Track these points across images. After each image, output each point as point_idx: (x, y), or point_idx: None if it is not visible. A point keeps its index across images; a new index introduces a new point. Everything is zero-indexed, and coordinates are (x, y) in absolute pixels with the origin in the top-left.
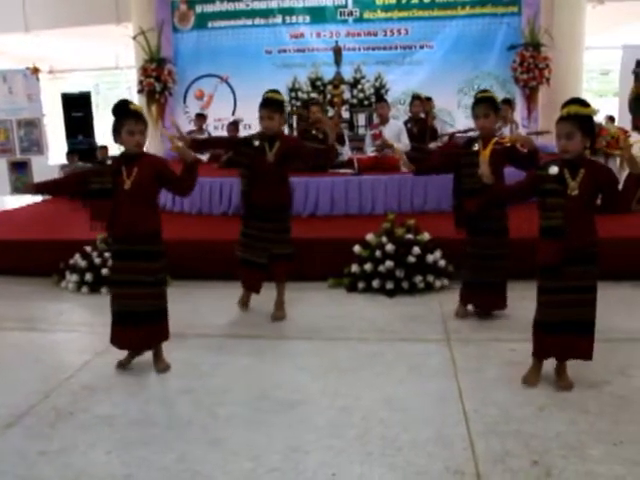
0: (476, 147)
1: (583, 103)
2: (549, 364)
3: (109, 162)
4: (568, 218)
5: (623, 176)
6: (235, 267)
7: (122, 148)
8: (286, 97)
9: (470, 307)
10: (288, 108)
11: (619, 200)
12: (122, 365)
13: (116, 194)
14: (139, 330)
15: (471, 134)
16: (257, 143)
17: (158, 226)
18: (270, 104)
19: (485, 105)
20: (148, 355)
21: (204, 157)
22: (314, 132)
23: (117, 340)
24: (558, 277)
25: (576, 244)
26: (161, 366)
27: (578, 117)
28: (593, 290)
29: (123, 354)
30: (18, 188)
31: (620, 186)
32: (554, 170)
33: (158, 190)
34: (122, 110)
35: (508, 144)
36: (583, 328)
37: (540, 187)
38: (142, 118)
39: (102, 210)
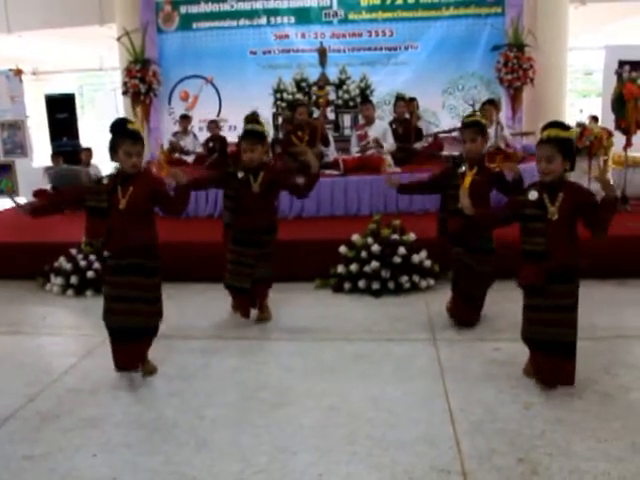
0: (463, 169)
1: (563, 126)
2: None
3: (105, 181)
4: (550, 242)
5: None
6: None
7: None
8: (271, 98)
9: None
10: (274, 110)
11: (597, 225)
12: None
13: (111, 213)
14: (132, 347)
15: (454, 134)
16: (241, 175)
17: (154, 240)
18: (251, 136)
19: (472, 129)
20: None
21: (189, 159)
22: (300, 133)
23: (119, 363)
24: (541, 295)
25: (558, 265)
26: (147, 368)
27: (558, 140)
28: (573, 309)
29: (107, 357)
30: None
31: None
32: (533, 195)
33: (153, 208)
34: (120, 129)
35: (496, 169)
36: (566, 351)
37: (520, 212)
38: (140, 139)
39: (97, 229)
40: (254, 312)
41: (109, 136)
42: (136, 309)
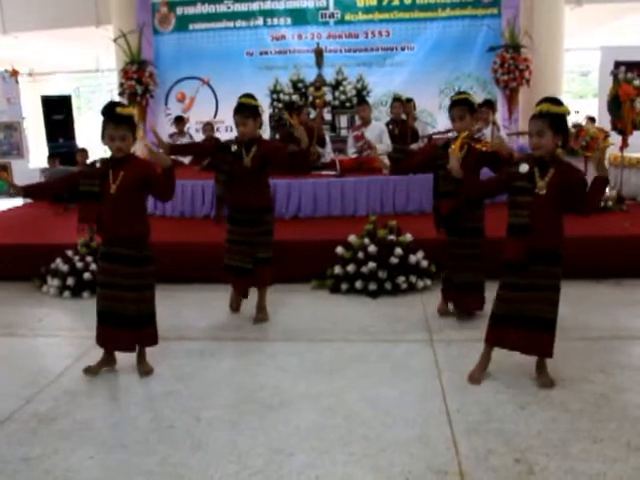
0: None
1: (555, 102)
2: (529, 363)
3: (98, 165)
4: (534, 216)
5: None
6: (221, 272)
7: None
8: (267, 99)
9: (451, 306)
10: (271, 110)
11: (586, 202)
12: (90, 371)
13: (103, 198)
14: (122, 332)
15: (450, 135)
16: (234, 148)
17: (144, 231)
18: (243, 110)
19: (460, 107)
20: (129, 358)
21: (186, 160)
22: (297, 135)
23: (101, 340)
24: (522, 274)
25: (541, 243)
26: (144, 369)
27: (549, 115)
28: (555, 289)
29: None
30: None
31: (587, 188)
32: (524, 168)
33: (145, 194)
34: (106, 113)
35: (483, 149)
36: (542, 325)
37: (510, 184)
38: (125, 122)
39: (90, 213)
40: (251, 313)
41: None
42: (125, 297)
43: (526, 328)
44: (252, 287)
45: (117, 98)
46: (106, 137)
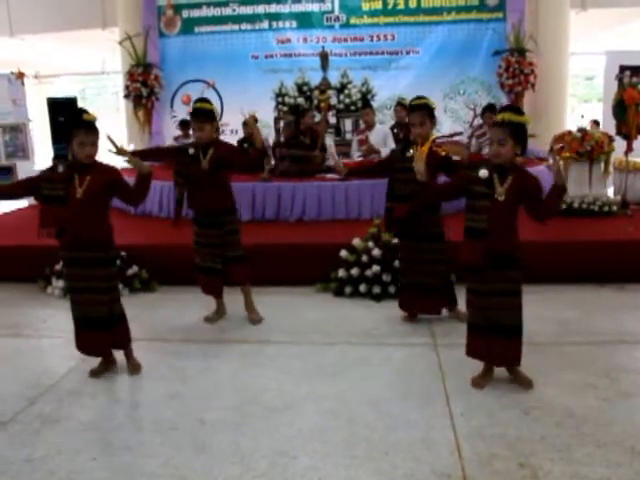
0: (410, 153)
1: (517, 111)
2: (532, 367)
3: (61, 169)
4: (492, 221)
5: (608, 180)
6: (194, 273)
7: None
8: (273, 102)
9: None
10: (276, 114)
11: (542, 208)
12: (95, 374)
13: (68, 202)
14: (96, 335)
15: (456, 138)
16: (192, 151)
17: (110, 233)
18: (199, 115)
19: (420, 113)
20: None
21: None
22: (301, 138)
23: (80, 345)
24: (481, 279)
25: (498, 247)
26: (131, 366)
27: (511, 124)
28: (517, 294)
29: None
30: None
31: (545, 196)
32: (484, 174)
33: (110, 199)
34: (74, 120)
35: (443, 153)
36: (508, 332)
37: (469, 188)
38: (94, 129)
39: (51, 217)
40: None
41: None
42: (94, 299)
43: (492, 337)
44: (226, 286)
45: (122, 100)
46: (75, 144)
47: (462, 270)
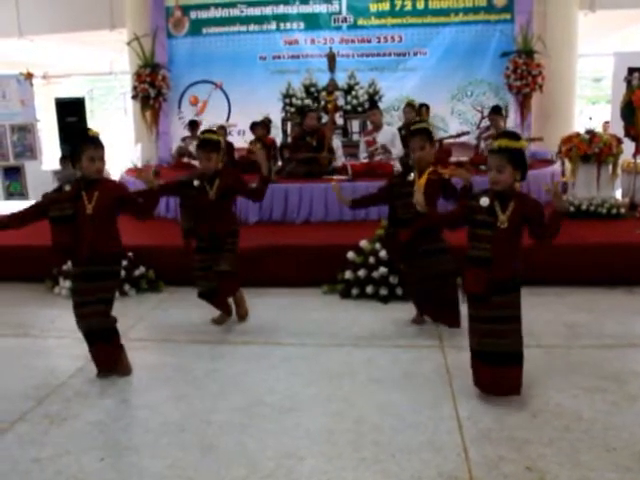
0: (411, 177)
1: (513, 136)
2: (539, 370)
3: (67, 188)
4: (495, 249)
5: (616, 182)
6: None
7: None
8: (280, 104)
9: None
10: (283, 115)
11: (544, 233)
12: (103, 374)
13: (78, 219)
14: (104, 346)
15: (464, 139)
16: (197, 183)
17: (120, 246)
18: (206, 145)
19: (421, 137)
20: (138, 360)
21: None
22: (308, 139)
23: (101, 365)
24: (484, 306)
25: (501, 274)
26: (122, 369)
27: (508, 150)
28: (517, 320)
29: None
30: (12, 194)
31: (546, 220)
32: (485, 202)
33: (118, 213)
34: (82, 136)
35: (446, 176)
36: (510, 360)
37: (471, 217)
38: (102, 144)
39: (63, 236)
40: (261, 317)
41: (72, 145)
42: (98, 311)
43: (494, 365)
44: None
45: (130, 101)
46: (84, 159)
47: (466, 297)
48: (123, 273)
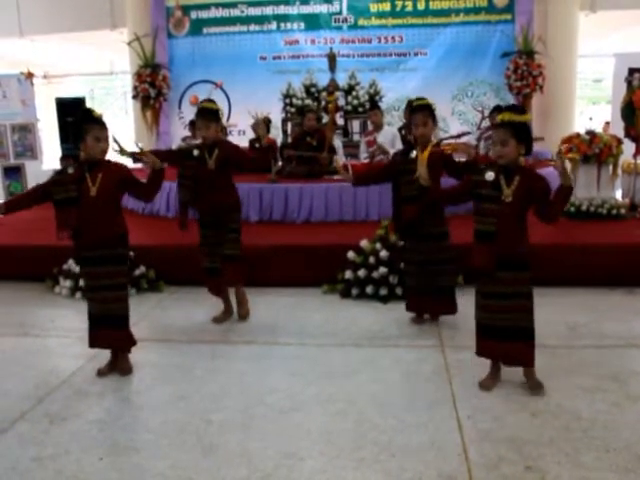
0: (414, 154)
1: (518, 110)
2: (541, 369)
3: (70, 170)
4: (501, 224)
5: (616, 183)
6: (201, 276)
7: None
8: (280, 104)
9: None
10: (283, 115)
11: (550, 209)
12: (102, 373)
13: (82, 201)
14: (117, 332)
15: (465, 139)
16: (196, 153)
17: (125, 229)
18: (204, 114)
19: (422, 113)
20: (138, 360)
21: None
22: (308, 139)
23: (94, 342)
24: (492, 282)
25: (507, 250)
26: (124, 368)
27: (512, 124)
28: (527, 296)
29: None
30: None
31: (552, 196)
32: (490, 176)
33: (122, 195)
34: (87, 117)
35: (448, 152)
36: (520, 335)
37: (476, 191)
38: (105, 125)
39: (68, 218)
40: (261, 316)
41: (76, 126)
42: (115, 296)
43: (504, 338)
44: (224, 286)
45: (130, 101)
46: (90, 139)
47: (473, 273)
48: None
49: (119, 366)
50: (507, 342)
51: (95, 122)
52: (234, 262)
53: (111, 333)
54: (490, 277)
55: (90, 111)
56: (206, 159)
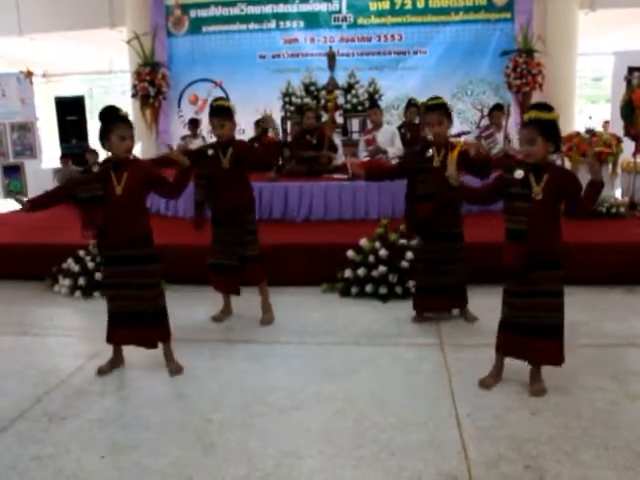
0: (430, 153)
1: (544, 108)
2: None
3: (95, 169)
4: (531, 222)
5: (616, 181)
6: (206, 273)
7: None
8: (280, 102)
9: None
10: (282, 114)
11: (580, 206)
12: (102, 372)
13: (107, 200)
14: (141, 331)
15: (464, 138)
16: (211, 152)
17: (150, 228)
18: (220, 112)
19: (438, 112)
20: (139, 359)
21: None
22: (308, 137)
23: (117, 340)
24: (523, 281)
25: (539, 248)
26: (172, 367)
27: (539, 122)
28: (559, 295)
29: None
30: (11, 192)
31: (582, 192)
32: (519, 174)
33: (147, 194)
34: (112, 115)
35: (464, 149)
36: (549, 332)
37: (505, 190)
38: (131, 124)
39: (94, 217)
40: (258, 314)
41: (101, 124)
42: (140, 296)
43: (532, 336)
44: (242, 285)
45: (130, 100)
46: (115, 138)
47: (503, 271)
48: None
49: (168, 367)
50: (535, 340)
51: (120, 120)
52: (256, 262)
53: (138, 331)
54: (521, 277)
55: (115, 109)
56: (220, 158)
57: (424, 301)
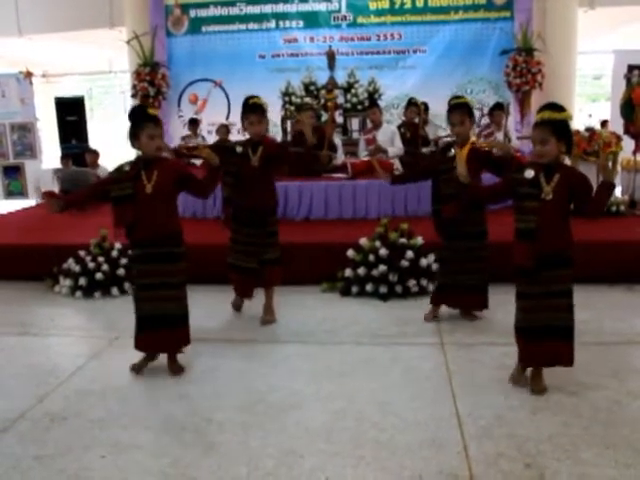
0: (452, 153)
1: (557, 108)
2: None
3: (126, 168)
4: (542, 222)
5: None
6: (227, 272)
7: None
8: (279, 102)
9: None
10: (282, 113)
11: (591, 206)
12: (138, 369)
13: (137, 199)
14: (164, 334)
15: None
16: (240, 149)
17: (180, 227)
18: (257, 109)
19: (460, 112)
20: (137, 358)
21: (198, 162)
22: (303, 130)
23: (144, 344)
24: (533, 282)
25: (549, 248)
26: (173, 367)
27: (552, 122)
28: (568, 295)
29: (115, 359)
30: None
31: (593, 192)
32: (530, 174)
33: (178, 193)
34: (141, 114)
35: (486, 149)
36: (562, 334)
37: (516, 190)
38: (160, 123)
39: (124, 215)
40: (258, 314)
41: (128, 123)
42: (166, 295)
43: (546, 339)
44: (258, 287)
45: (130, 100)
46: (144, 137)
47: (513, 272)
48: (123, 272)
49: (170, 367)
50: (547, 342)
51: (149, 120)
52: (275, 265)
53: (164, 334)
54: (531, 277)
55: (144, 108)
56: (250, 156)
57: (444, 296)
